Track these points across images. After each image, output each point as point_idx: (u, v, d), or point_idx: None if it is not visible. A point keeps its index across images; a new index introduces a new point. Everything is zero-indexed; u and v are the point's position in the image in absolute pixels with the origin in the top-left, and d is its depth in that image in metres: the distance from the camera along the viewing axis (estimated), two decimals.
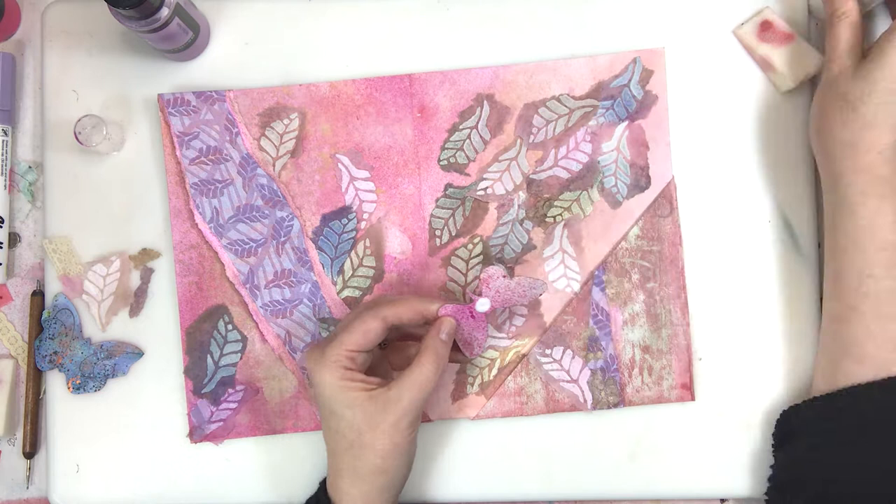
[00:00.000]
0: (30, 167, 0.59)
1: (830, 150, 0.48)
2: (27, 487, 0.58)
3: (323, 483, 0.50)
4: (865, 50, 0.49)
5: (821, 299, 0.57)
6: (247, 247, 0.56)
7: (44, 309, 0.57)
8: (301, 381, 0.56)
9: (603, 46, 0.56)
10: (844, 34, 0.49)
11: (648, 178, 0.56)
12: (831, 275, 0.49)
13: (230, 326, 0.56)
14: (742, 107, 0.56)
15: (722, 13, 0.57)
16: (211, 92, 0.56)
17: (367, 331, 0.47)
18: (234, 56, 0.57)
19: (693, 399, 0.55)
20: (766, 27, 0.56)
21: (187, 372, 0.56)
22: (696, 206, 0.56)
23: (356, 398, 0.46)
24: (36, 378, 0.58)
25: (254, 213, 0.56)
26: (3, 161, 0.58)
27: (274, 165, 0.56)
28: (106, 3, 0.47)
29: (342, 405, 0.47)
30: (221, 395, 0.56)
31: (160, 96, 0.56)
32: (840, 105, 0.48)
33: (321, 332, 0.56)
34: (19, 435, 0.58)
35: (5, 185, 0.58)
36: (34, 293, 0.58)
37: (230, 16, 0.57)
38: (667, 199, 0.56)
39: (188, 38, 0.54)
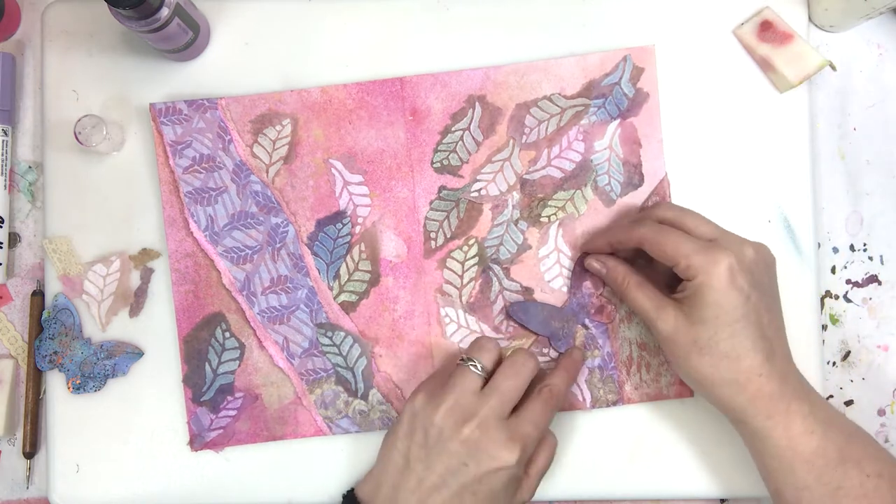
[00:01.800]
0: (30, 167, 0.60)
1: (717, 393, 0.47)
2: (27, 487, 0.58)
3: (346, 496, 0.50)
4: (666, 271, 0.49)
5: (821, 299, 0.57)
6: (242, 254, 0.56)
7: (44, 309, 0.57)
8: (299, 388, 0.56)
9: (601, 47, 0.56)
10: (641, 298, 0.50)
11: (641, 175, 0.56)
12: (773, 493, 0.49)
13: (228, 334, 0.56)
14: (741, 106, 0.56)
15: (721, 13, 0.57)
16: (202, 100, 0.56)
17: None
18: (234, 56, 0.57)
19: (692, 395, 0.55)
20: (766, 27, 0.56)
21: (186, 380, 0.56)
22: (696, 205, 0.56)
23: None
24: (36, 378, 0.58)
25: (248, 219, 0.56)
26: (3, 161, 0.58)
27: (267, 172, 0.56)
28: (106, 3, 0.47)
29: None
30: (220, 403, 0.56)
31: (152, 106, 0.56)
32: (697, 351, 0.47)
33: (318, 336, 0.56)
34: (19, 435, 0.58)
35: (5, 185, 0.59)
36: (34, 293, 0.58)
37: (230, 16, 0.58)
38: (660, 197, 0.56)
39: (188, 38, 0.54)
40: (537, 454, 0.50)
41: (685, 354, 0.47)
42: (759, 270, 0.48)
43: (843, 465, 0.45)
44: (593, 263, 0.53)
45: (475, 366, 0.49)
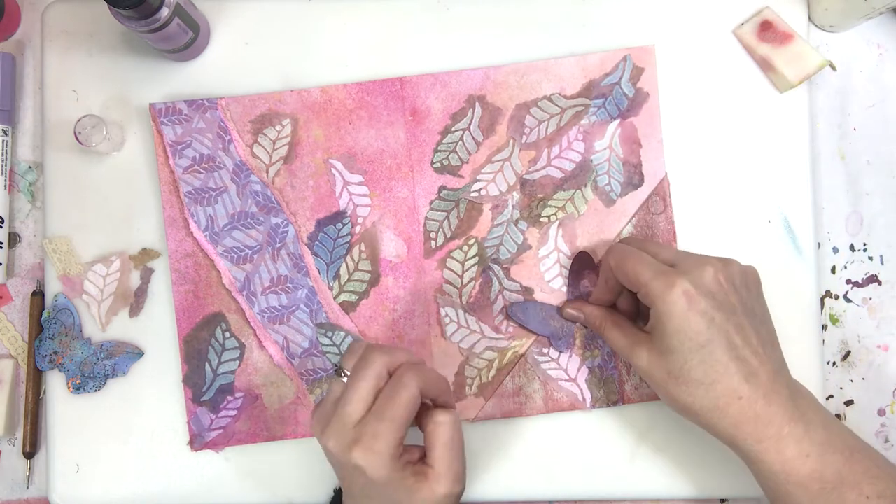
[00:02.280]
0: (30, 167, 0.60)
1: (702, 421, 0.46)
2: (27, 487, 0.58)
3: (338, 492, 0.49)
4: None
5: (821, 299, 0.57)
6: (242, 254, 0.56)
7: (44, 309, 0.57)
8: (300, 387, 0.56)
9: (601, 47, 0.56)
10: (617, 336, 0.50)
11: (641, 175, 0.56)
12: None
13: (228, 334, 0.56)
14: (741, 106, 0.56)
15: (721, 13, 0.57)
16: (203, 100, 0.56)
17: (412, 406, 0.43)
18: (234, 56, 0.57)
19: None
20: (766, 27, 0.56)
21: (186, 380, 0.56)
22: (696, 205, 0.56)
23: (412, 485, 0.43)
24: (36, 378, 0.58)
25: (248, 219, 0.56)
26: (3, 161, 0.58)
27: (267, 172, 0.56)
28: (106, 3, 0.47)
29: (396, 491, 0.43)
30: (220, 403, 0.56)
31: (152, 106, 0.56)
32: (673, 382, 0.46)
33: (318, 336, 0.56)
34: (19, 435, 0.58)
35: (5, 185, 0.59)
36: (34, 293, 0.58)
37: (230, 16, 0.58)
38: (660, 197, 0.56)
39: (188, 38, 0.54)
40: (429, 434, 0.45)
41: (663, 386, 0.47)
42: (723, 290, 0.46)
43: (841, 489, 0.44)
44: (570, 311, 0.54)
45: (344, 374, 0.45)
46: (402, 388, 0.43)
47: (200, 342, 0.56)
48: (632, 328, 0.50)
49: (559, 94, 0.56)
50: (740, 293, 0.47)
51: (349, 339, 0.56)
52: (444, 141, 0.56)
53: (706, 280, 0.45)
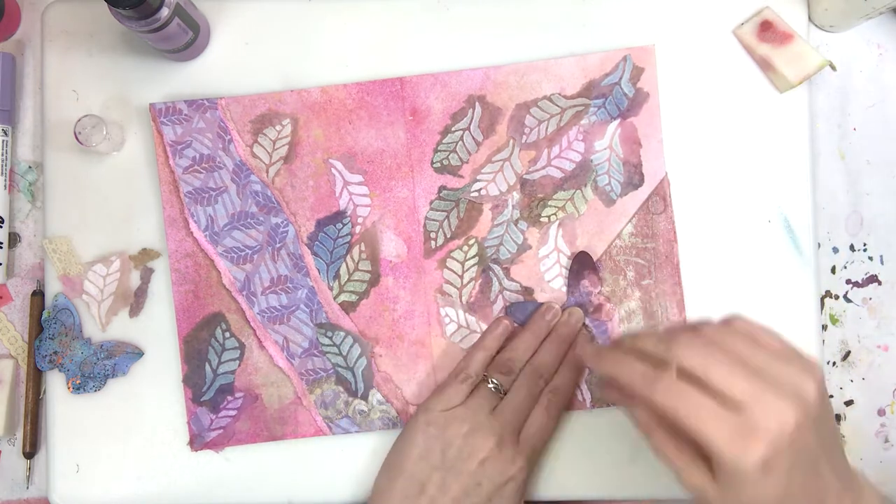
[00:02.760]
0: (30, 167, 0.60)
1: None
2: (27, 487, 0.58)
3: None
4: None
5: (821, 299, 0.57)
6: (242, 254, 0.56)
7: (44, 309, 0.57)
8: (300, 387, 0.56)
9: (601, 47, 0.56)
10: (669, 451, 0.40)
11: (642, 175, 0.56)
12: None
13: (228, 334, 0.56)
14: (741, 106, 0.56)
15: (721, 13, 0.57)
16: (202, 100, 0.56)
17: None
18: (234, 56, 0.57)
19: None
20: (766, 27, 0.56)
21: (186, 380, 0.56)
22: (696, 205, 0.56)
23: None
24: (36, 378, 0.58)
25: (248, 219, 0.56)
26: (3, 161, 0.58)
27: (267, 172, 0.56)
28: (106, 3, 0.47)
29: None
30: (220, 403, 0.56)
31: (152, 106, 0.56)
32: None
33: (318, 336, 0.56)
34: (19, 435, 0.58)
35: (5, 185, 0.59)
36: (34, 293, 0.58)
37: (230, 16, 0.58)
38: (660, 197, 0.56)
39: (188, 38, 0.54)
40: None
41: None
42: (805, 436, 0.37)
43: None
44: (612, 396, 0.45)
45: (496, 386, 0.51)
46: (548, 411, 0.51)
47: (200, 342, 0.56)
48: (691, 453, 0.39)
49: (559, 94, 0.56)
50: (821, 430, 0.38)
51: (349, 339, 0.56)
52: (444, 141, 0.56)
53: (788, 428, 0.36)
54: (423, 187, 0.56)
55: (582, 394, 0.55)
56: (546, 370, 0.52)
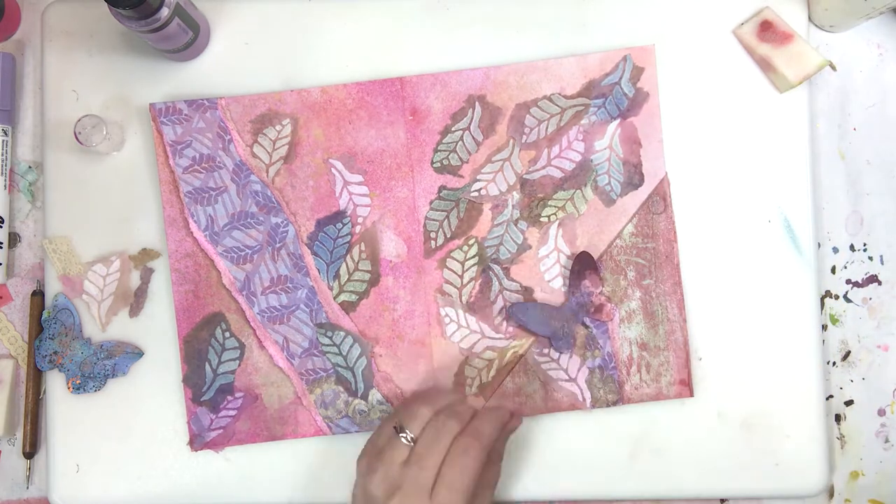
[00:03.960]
0: (30, 167, 0.60)
1: None
2: (27, 487, 0.58)
3: None
4: None
5: (821, 299, 0.57)
6: (242, 254, 0.56)
7: (44, 309, 0.57)
8: (300, 387, 0.56)
9: (601, 47, 0.56)
10: None
11: (642, 175, 0.56)
12: None
13: (228, 334, 0.56)
14: (741, 106, 0.56)
15: (721, 13, 0.57)
16: (203, 100, 0.56)
17: (478, 474, 0.48)
18: (235, 56, 0.57)
19: (691, 395, 0.55)
20: (766, 27, 0.56)
21: (186, 380, 0.56)
22: (696, 205, 0.56)
23: None
24: (36, 378, 0.58)
25: (248, 219, 0.56)
26: (3, 161, 0.58)
27: (267, 172, 0.56)
28: (106, 3, 0.47)
29: None
30: (220, 403, 0.56)
31: (152, 106, 0.56)
32: None
33: (318, 336, 0.56)
34: (19, 435, 0.58)
35: (5, 185, 0.59)
36: (34, 293, 0.58)
37: (230, 16, 0.58)
38: (660, 196, 0.56)
39: (188, 38, 0.54)
40: (477, 496, 0.48)
41: None
42: None
43: None
44: None
45: (405, 437, 0.48)
46: (471, 461, 0.47)
47: (200, 342, 0.56)
48: None
49: (559, 94, 0.56)
50: None
51: (349, 339, 0.56)
52: (444, 141, 0.56)
53: None
54: (423, 187, 0.56)
55: (582, 394, 0.55)
56: (453, 415, 0.49)
